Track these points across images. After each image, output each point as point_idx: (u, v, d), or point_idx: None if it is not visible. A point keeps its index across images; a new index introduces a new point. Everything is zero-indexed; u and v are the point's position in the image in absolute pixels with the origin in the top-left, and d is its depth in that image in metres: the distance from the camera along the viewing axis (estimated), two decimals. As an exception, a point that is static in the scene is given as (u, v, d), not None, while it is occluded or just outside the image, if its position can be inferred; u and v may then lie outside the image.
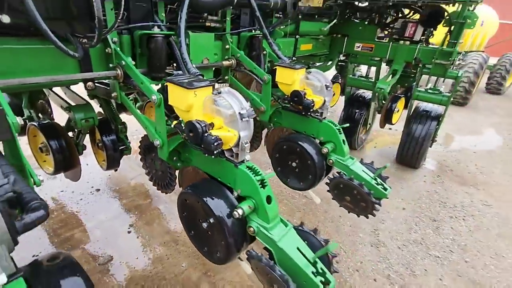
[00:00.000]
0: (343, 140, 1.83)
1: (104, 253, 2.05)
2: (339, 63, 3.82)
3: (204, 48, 1.73)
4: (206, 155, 1.16)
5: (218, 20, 1.85)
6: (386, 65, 3.34)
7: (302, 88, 1.78)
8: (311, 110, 1.76)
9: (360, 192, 1.69)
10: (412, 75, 3.46)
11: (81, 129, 1.79)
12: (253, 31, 2.02)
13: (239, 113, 1.12)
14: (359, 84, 3.62)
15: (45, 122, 1.75)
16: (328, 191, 1.94)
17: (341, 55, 3.51)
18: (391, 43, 3.06)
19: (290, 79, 1.74)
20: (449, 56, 2.74)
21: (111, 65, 1.34)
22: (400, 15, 3.13)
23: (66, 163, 1.75)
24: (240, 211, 1.15)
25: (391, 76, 3.09)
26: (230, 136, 1.15)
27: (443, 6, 2.71)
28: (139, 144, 1.80)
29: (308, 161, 1.82)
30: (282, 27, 2.46)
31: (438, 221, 2.67)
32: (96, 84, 1.49)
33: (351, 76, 3.67)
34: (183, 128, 1.18)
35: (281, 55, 1.90)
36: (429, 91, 3.25)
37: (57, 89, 1.85)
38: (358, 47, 3.29)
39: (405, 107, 3.46)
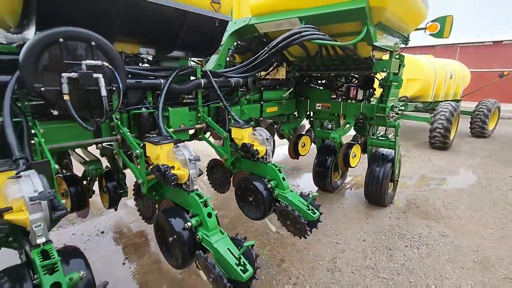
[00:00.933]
0: (283, 178, 2.41)
1: (102, 279, 2.52)
2: (311, 120, 4.59)
3: (180, 117, 2.48)
4: (169, 187, 1.78)
5: (192, 97, 2.66)
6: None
7: (250, 141, 2.45)
8: (257, 156, 2.40)
9: (294, 216, 2.21)
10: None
11: (91, 177, 2.47)
12: (220, 102, 2.81)
13: (189, 158, 1.78)
14: (325, 135, 4.30)
15: (67, 174, 2.45)
16: (277, 219, 2.45)
17: (306, 113, 4.29)
18: (342, 102, 3.83)
19: (241, 135, 2.44)
20: (384, 110, 3.45)
21: (114, 133, 2.08)
22: (345, 81, 3.97)
23: (80, 204, 2.39)
24: (189, 224, 1.72)
25: (346, 126, 3.79)
26: (183, 173, 1.78)
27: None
28: (133, 187, 2.45)
29: (259, 195, 2.39)
30: (247, 96, 3.27)
31: (393, 250, 3.03)
32: (104, 145, 2.22)
33: (318, 129, 4.39)
34: (155, 170, 1.83)
35: (237, 118, 2.64)
36: (380, 138, 3.89)
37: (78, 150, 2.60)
38: (319, 106, 4.06)
39: (364, 152, 4.05)
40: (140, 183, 1.98)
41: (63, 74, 1.57)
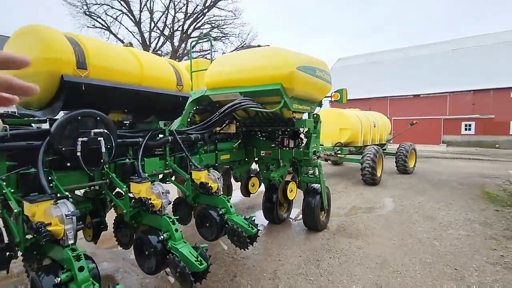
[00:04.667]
0: (230, 206, 3.29)
1: None
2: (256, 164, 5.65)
3: (152, 165, 3.33)
4: (148, 212, 2.57)
5: (161, 150, 3.56)
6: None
7: (206, 180, 3.36)
8: (211, 191, 3.29)
9: (238, 232, 3.07)
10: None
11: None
12: (183, 153, 3.73)
13: (162, 192, 2.62)
14: (268, 176, 5.35)
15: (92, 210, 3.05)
16: (227, 237, 3.27)
17: (254, 159, 5.37)
18: (279, 149, 4.98)
19: (198, 176, 3.35)
20: (307, 154, 4.65)
21: (103, 178, 2.86)
22: (281, 133, 5.20)
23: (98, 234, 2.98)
24: (163, 236, 2.50)
25: (283, 168, 4.89)
26: (157, 202, 2.61)
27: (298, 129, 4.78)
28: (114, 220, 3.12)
29: (213, 220, 3.22)
30: (205, 148, 4.25)
31: (320, 261, 3.93)
32: (88, 190, 2.97)
33: (265, 171, 5.44)
34: (138, 201, 2.63)
35: (196, 164, 3.56)
36: (310, 175, 5.05)
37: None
38: (263, 153, 5.17)
39: (299, 187, 5.14)
40: (123, 212, 2.72)
41: (79, 138, 2.42)
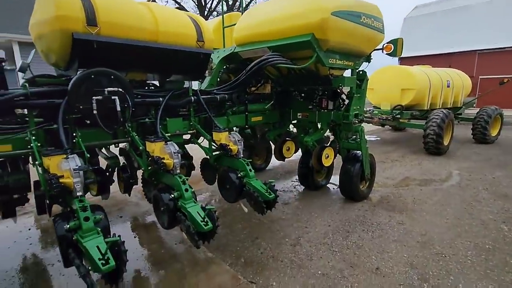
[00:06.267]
0: (250, 169, 3.16)
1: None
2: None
3: (175, 125, 3.35)
4: (160, 171, 2.62)
5: (185, 110, 3.53)
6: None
7: (226, 142, 3.25)
8: (230, 153, 3.19)
9: (253, 197, 2.96)
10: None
11: (112, 168, 3.39)
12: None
13: (173, 152, 2.61)
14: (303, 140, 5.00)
15: (95, 167, 3.37)
16: (247, 201, 3.20)
17: (290, 122, 5.04)
18: (317, 111, 4.54)
19: (219, 137, 3.25)
20: (348, 117, 4.12)
21: (126, 136, 2.98)
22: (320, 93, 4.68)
23: (104, 190, 3.29)
24: (174, 194, 2.54)
25: (320, 132, 4.49)
26: (169, 162, 2.62)
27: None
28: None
29: (232, 183, 3.16)
30: (233, 109, 4.10)
31: (350, 232, 3.64)
32: (121, 147, 3.13)
33: (302, 135, 5.10)
34: (152, 160, 2.68)
35: (218, 125, 3.45)
36: (351, 141, 4.54)
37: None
38: (299, 115, 4.80)
39: (339, 153, 4.70)
40: (143, 170, 2.84)
41: (93, 97, 2.49)
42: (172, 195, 2.56)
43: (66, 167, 2.07)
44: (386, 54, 4.20)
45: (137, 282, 2.76)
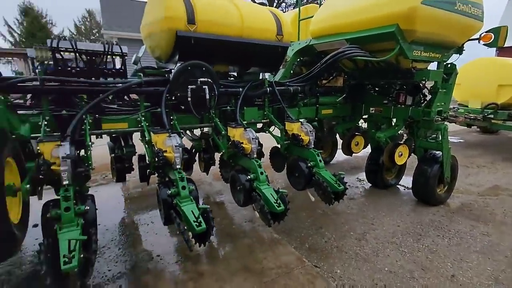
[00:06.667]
0: (320, 160, 3.24)
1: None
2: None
3: (251, 114, 3.61)
4: (239, 155, 2.92)
5: (261, 101, 3.78)
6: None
7: (298, 132, 3.39)
8: (301, 143, 3.32)
9: (322, 186, 3.04)
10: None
11: (195, 149, 3.87)
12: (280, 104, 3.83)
13: (252, 138, 2.87)
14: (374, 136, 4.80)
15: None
16: (314, 190, 3.31)
17: (361, 116, 4.89)
18: (392, 106, 4.32)
19: (291, 127, 3.41)
20: (429, 114, 3.83)
21: (210, 121, 3.37)
22: (398, 87, 4.42)
23: (188, 167, 3.79)
24: (250, 176, 2.81)
25: (393, 128, 4.27)
26: (248, 147, 2.89)
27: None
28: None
29: (301, 171, 3.31)
30: (305, 101, 4.20)
31: (422, 236, 3.44)
32: (204, 131, 3.56)
33: (373, 131, 4.91)
34: (232, 144, 3.00)
35: (291, 116, 3.61)
36: (429, 139, 4.21)
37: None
38: (372, 110, 4.63)
39: (414, 152, 4.40)
40: (223, 152, 3.20)
41: (189, 86, 2.89)
42: (249, 176, 2.83)
43: (169, 143, 2.50)
44: (484, 44, 3.73)
45: (212, 250, 3.15)
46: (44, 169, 1.94)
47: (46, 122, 2.50)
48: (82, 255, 1.78)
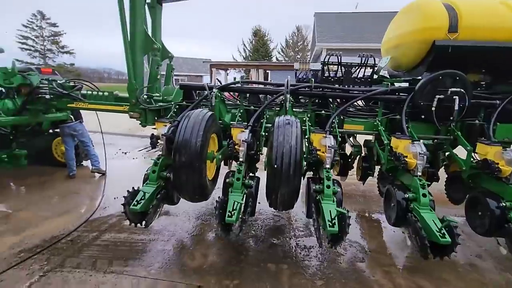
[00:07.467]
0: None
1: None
2: None
3: (506, 131, 2.94)
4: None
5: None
6: None
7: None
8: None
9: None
10: None
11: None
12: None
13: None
14: None
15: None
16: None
17: None
18: None
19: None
20: None
21: (448, 134, 3.10)
22: None
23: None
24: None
25: None
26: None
27: None
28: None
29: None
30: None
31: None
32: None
33: None
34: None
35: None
36: None
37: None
38: None
39: None
40: (462, 170, 2.86)
41: (436, 96, 2.81)
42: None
43: (413, 150, 2.56)
44: None
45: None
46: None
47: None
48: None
